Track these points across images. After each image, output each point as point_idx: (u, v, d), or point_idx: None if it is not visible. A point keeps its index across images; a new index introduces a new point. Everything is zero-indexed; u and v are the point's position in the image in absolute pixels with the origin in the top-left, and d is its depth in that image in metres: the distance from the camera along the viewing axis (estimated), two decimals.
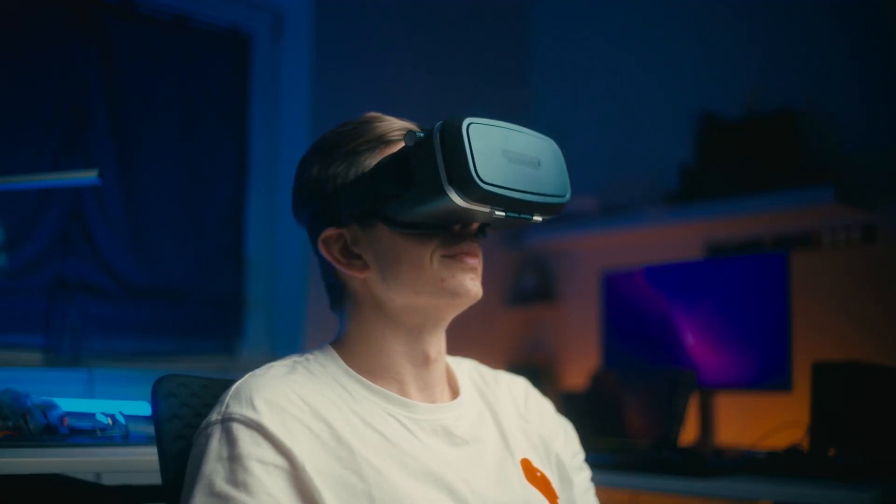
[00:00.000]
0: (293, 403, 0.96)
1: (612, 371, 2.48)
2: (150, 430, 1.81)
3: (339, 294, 1.09)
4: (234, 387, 0.99)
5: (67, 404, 1.72)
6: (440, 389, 1.09)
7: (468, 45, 3.16)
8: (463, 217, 0.99)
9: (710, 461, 1.99)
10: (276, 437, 0.93)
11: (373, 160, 1.03)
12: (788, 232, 2.51)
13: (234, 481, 0.90)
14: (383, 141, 1.05)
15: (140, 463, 1.50)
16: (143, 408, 2.02)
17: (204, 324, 2.71)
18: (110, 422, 1.68)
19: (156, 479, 1.65)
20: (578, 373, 2.84)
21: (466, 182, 0.91)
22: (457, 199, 0.92)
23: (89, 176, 1.82)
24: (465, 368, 1.17)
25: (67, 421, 1.65)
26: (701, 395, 2.39)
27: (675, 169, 2.66)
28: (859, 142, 2.44)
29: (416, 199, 0.96)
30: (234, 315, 2.76)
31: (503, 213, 0.96)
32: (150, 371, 2.49)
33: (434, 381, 1.08)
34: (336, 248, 1.05)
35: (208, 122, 2.74)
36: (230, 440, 0.93)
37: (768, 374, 2.23)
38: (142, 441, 1.66)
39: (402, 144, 1.04)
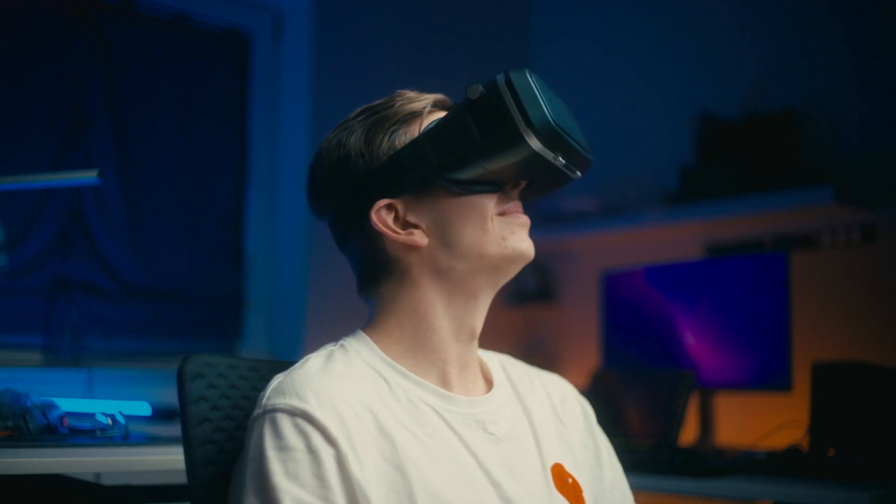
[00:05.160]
0: (339, 392, 0.95)
1: (611, 371, 2.48)
2: (150, 429, 1.82)
3: (380, 272, 1.05)
4: (274, 383, 0.97)
5: (67, 404, 1.72)
6: (474, 376, 1.08)
7: (468, 44, 3.16)
8: (521, 172, 1.01)
9: (710, 461, 1.99)
10: (325, 426, 0.91)
11: (415, 130, 1.03)
12: (788, 232, 2.51)
13: (285, 472, 0.89)
14: (418, 113, 1.05)
15: (140, 463, 1.49)
16: (143, 408, 2.02)
17: (204, 324, 2.71)
18: (110, 422, 1.68)
19: (156, 479, 1.66)
20: (578, 373, 2.83)
21: (544, 124, 0.95)
22: (533, 143, 0.96)
23: (89, 176, 1.83)
24: (499, 361, 1.15)
25: (67, 421, 1.65)
26: (701, 395, 2.39)
27: (675, 169, 2.66)
28: (859, 142, 2.44)
29: (483, 153, 0.98)
30: (234, 315, 2.76)
31: (563, 161, 0.99)
32: (150, 371, 2.49)
33: (472, 361, 1.07)
34: (390, 219, 1.02)
35: (208, 122, 2.74)
36: (277, 431, 0.91)
37: (768, 374, 2.23)
38: (142, 441, 1.66)
39: (435, 116, 1.05)
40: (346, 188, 1.05)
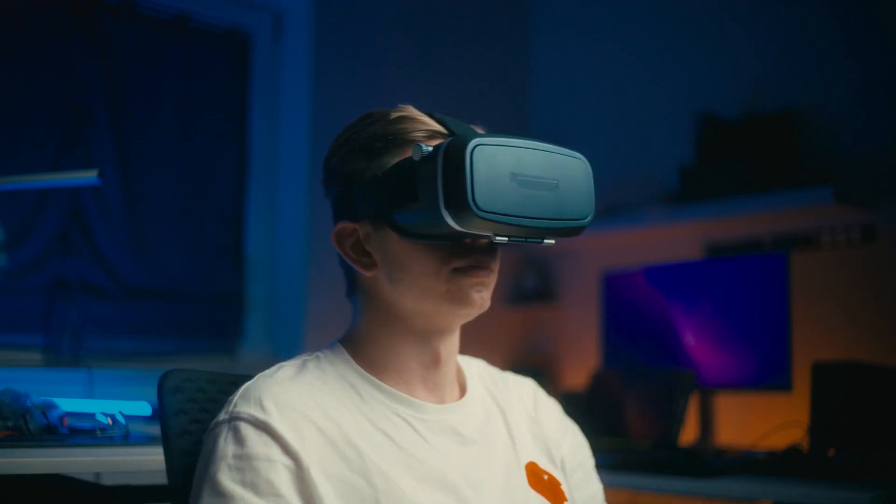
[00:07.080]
0: (303, 404, 0.96)
1: (612, 371, 2.48)
2: (150, 429, 1.82)
3: (353, 284, 1.08)
4: (243, 387, 0.98)
5: (67, 404, 1.72)
6: (449, 390, 1.08)
7: (468, 45, 3.16)
8: (468, 234, 0.96)
9: (710, 461, 1.99)
10: (284, 438, 0.92)
11: (391, 160, 1.00)
12: (788, 232, 2.51)
13: (242, 481, 0.90)
14: (406, 141, 1.01)
15: (140, 463, 1.50)
16: (143, 408, 2.02)
17: (204, 324, 2.71)
18: (110, 422, 1.68)
19: (156, 478, 1.66)
20: (578, 373, 2.83)
21: (462, 209, 0.89)
22: (452, 224, 0.91)
23: (89, 176, 1.82)
24: (475, 367, 1.16)
25: (67, 421, 1.65)
26: (701, 395, 2.39)
27: (675, 169, 2.66)
28: (859, 142, 2.44)
29: (419, 213, 0.95)
30: (234, 315, 2.76)
31: (506, 239, 0.94)
32: (150, 371, 2.48)
33: (443, 382, 1.07)
34: (349, 242, 1.04)
35: (208, 122, 2.74)
36: (238, 439, 0.92)
37: (768, 374, 2.23)
38: (142, 441, 1.66)
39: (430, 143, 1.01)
40: (331, 195, 1.08)
